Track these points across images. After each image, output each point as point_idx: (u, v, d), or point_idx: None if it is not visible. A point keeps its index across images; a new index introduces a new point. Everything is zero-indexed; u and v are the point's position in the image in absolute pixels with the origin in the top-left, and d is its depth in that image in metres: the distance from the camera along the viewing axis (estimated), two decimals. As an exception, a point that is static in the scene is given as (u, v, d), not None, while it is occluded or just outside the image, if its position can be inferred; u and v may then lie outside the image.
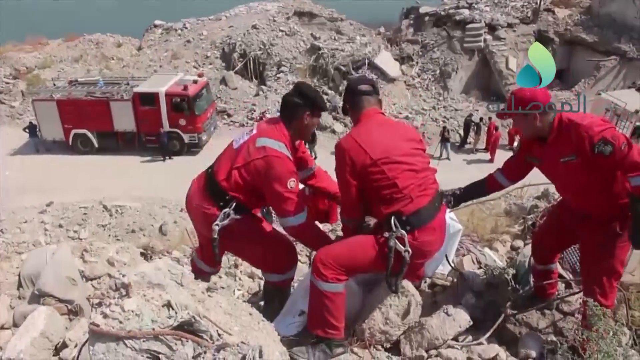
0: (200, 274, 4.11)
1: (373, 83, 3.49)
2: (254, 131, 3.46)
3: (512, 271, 4.22)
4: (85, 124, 20.80)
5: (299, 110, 3.42)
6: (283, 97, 3.55)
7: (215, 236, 3.37)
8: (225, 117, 24.07)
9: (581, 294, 3.81)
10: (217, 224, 3.35)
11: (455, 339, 3.56)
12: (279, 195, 3.26)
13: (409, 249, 3.01)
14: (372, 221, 3.44)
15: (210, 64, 26.65)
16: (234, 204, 3.38)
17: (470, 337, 3.63)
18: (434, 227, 3.14)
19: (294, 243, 3.81)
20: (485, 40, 25.06)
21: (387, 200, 3.08)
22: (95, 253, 5.55)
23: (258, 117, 22.03)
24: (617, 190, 3.23)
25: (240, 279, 5.78)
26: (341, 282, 3.11)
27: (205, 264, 4.11)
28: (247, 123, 23.41)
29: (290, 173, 3.27)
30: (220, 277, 5.73)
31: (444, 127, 21.58)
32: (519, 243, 5.42)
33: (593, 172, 3.17)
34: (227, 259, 6.37)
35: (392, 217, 3.05)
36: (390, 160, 3.08)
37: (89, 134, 21.03)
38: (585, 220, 3.42)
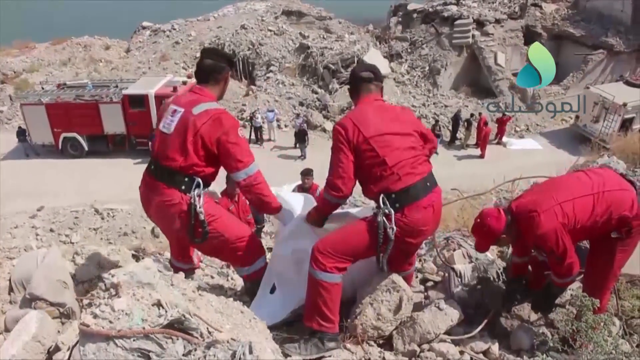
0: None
1: (375, 70, 3.54)
2: (179, 109, 3.46)
3: (502, 264, 4.26)
4: (74, 128, 20.61)
5: (223, 70, 3.64)
6: (200, 64, 3.61)
7: (202, 218, 3.39)
8: (216, 117, 23.92)
9: (571, 285, 3.87)
10: (200, 210, 3.37)
11: (447, 333, 3.58)
12: (234, 145, 3.38)
13: (394, 227, 3.10)
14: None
15: (200, 64, 26.51)
16: (197, 181, 3.41)
17: (462, 331, 3.66)
18: (424, 206, 3.19)
19: (262, 232, 3.85)
20: (473, 36, 25.14)
21: (376, 178, 3.20)
22: (86, 256, 5.52)
23: (248, 117, 21.88)
24: (605, 230, 3.39)
25: (232, 278, 5.77)
26: (339, 273, 3.19)
27: (176, 260, 4.19)
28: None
29: (236, 122, 3.51)
30: (212, 277, 5.73)
31: (436, 122, 21.59)
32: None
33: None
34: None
35: (381, 195, 3.16)
36: (381, 139, 3.20)
37: (79, 138, 20.84)
38: None
